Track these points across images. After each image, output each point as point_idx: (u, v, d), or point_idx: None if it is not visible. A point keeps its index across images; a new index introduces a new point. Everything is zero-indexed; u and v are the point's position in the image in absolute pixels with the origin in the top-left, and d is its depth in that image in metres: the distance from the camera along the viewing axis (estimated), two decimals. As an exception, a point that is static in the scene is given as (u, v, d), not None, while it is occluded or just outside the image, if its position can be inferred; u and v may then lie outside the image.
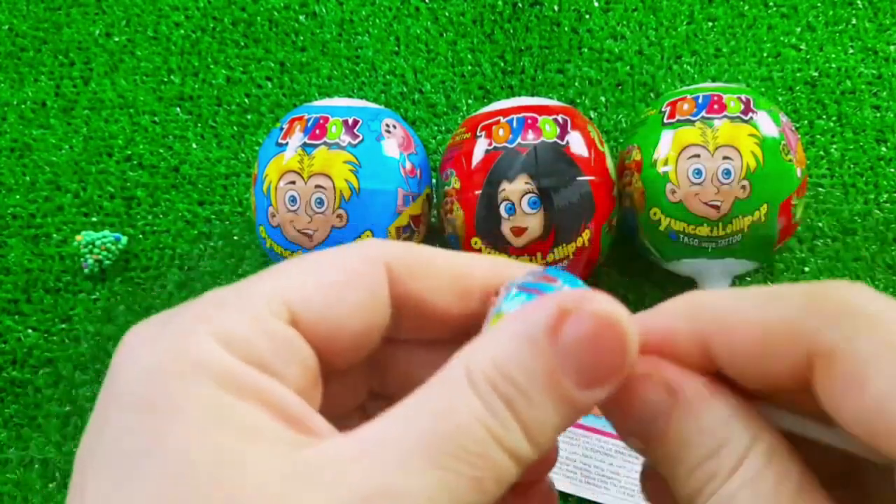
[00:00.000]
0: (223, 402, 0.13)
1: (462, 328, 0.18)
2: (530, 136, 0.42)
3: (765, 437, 0.15)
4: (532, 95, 0.54)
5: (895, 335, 0.13)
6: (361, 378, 0.20)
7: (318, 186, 0.41)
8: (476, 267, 0.18)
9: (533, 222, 0.41)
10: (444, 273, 0.17)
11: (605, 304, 0.15)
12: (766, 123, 0.41)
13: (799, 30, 0.54)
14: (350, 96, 0.54)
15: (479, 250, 0.43)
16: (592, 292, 0.15)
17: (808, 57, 0.54)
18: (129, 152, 0.54)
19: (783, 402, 0.16)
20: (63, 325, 0.50)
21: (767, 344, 0.15)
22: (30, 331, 0.50)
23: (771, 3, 0.55)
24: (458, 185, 0.43)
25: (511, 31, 0.55)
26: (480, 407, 0.14)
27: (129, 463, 0.13)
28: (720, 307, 0.16)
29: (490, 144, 0.42)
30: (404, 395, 0.15)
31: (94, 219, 0.52)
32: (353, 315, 0.16)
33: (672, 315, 0.16)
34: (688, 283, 0.46)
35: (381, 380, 0.20)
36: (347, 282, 0.16)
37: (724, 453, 0.15)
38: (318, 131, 0.42)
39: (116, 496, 0.13)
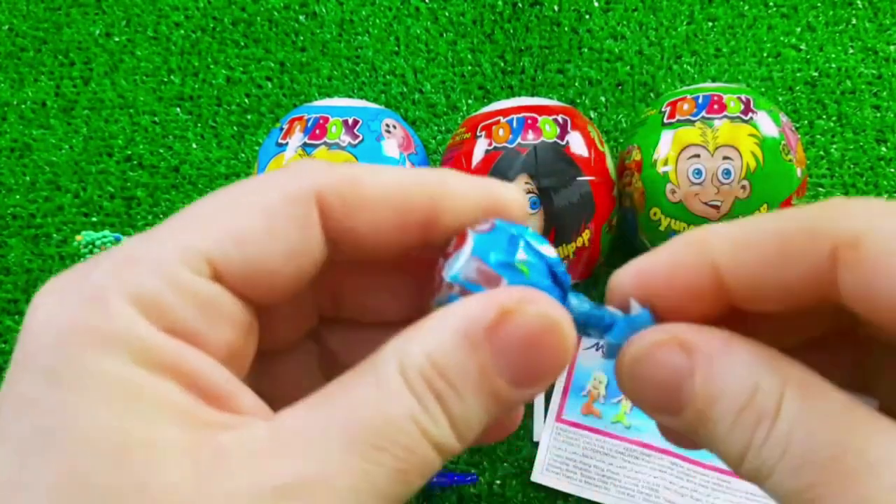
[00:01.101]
0: (135, 379, 0.13)
1: (406, 251, 0.17)
2: (530, 136, 0.42)
3: (793, 370, 0.14)
4: (532, 95, 0.54)
5: None
6: (306, 305, 0.18)
7: (318, 186, 0.41)
8: (416, 195, 0.16)
9: (533, 222, 0.41)
10: (381, 205, 0.16)
11: (546, 305, 0.14)
12: (766, 123, 0.41)
13: (799, 30, 0.54)
14: (350, 96, 0.54)
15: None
16: (534, 291, 0.15)
17: (808, 57, 0.54)
18: (129, 152, 0.54)
19: (796, 330, 0.15)
20: (63, 325, 0.50)
21: (786, 248, 0.14)
22: (30, 331, 0.50)
23: (771, 3, 0.55)
24: (458, 185, 0.43)
25: (511, 31, 0.55)
26: (413, 402, 0.13)
27: (33, 441, 0.12)
28: (728, 229, 0.15)
29: (490, 144, 0.42)
30: (361, 319, 0.15)
31: (94, 219, 0.52)
32: (281, 261, 0.15)
33: (675, 251, 0.16)
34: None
35: (334, 302, 0.19)
36: (272, 227, 0.14)
37: (759, 399, 0.14)
38: (318, 131, 0.42)
39: (17, 476, 0.12)
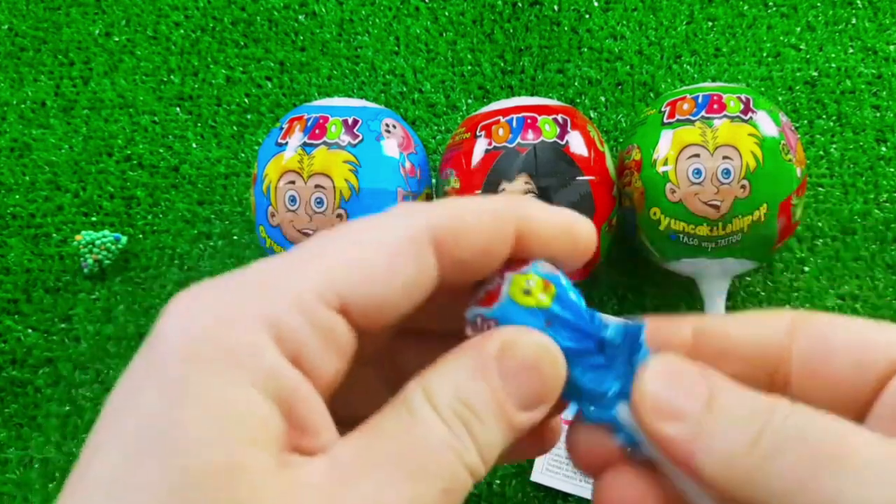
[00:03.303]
0: (248, 403, 0.14)
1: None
2: (530, 135, 0.42)
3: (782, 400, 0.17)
4: (532, 95, 0.54)
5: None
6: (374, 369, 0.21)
7: (317, 186, 0.41)
8: (507, 223, 0.18)
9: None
10: (482, 236, 0.17)
11: (538, 336, 0.17)
12: (765, 123, 0.41)
13: (799, 30, 0.54)
14: (350, 96, 0.54)
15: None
16: (526, 329, 0.17)
17: (808, 57, 0.54)
18: (129, 152, 0.54)
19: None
20: (63, 325, 0.50)
21: (756, 322, 0.18)
22: (30, 331, 0.50)
23: (771, 3, 0.55)
24: (458, 185, 0.43)
25: (511, 31, 0.55)
26: (446, 431, 0.15)
27: (146, 446, 0.13)
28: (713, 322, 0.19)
29: (490, 144, 0.42)
30: (426, 328, 0.18)
31: (94, 219, 0.52)
32: (401, 295, 0.16)
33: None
34: (687, 283, 0.46)
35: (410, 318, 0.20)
36: (395, 264, 0.16)
37: (773, 420, 0.16)
38: (317, 131, 0.42)
39: (122, 474, 0.13)
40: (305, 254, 0.16)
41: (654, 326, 0.19)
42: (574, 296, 0.18)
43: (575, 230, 0.19)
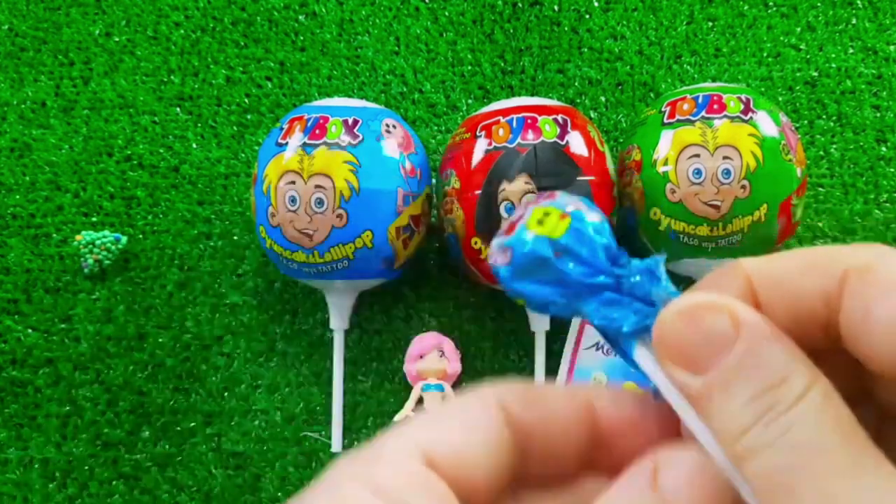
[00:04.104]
0: None
1: (582, 458, 0.19)
2: (530, 135, 0.42)
3: (822, 379, 0.15)
4: (532, 95, 0.54)
5: None
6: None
7: (318, 186, 0.41)
8: (575, 403, 0.18)
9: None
10: (555, 402, 0.18)
11: (690, 453, 0.16)
12: (766, 123, 0.41)
13: (799, 30, 0.54)
14: (350, 96, 0.54)
15: (479, 250, 0.43)
16: (678, 449, 0.16)
17: (808, 57, 0.54)
18: (129, 152, 0.54)
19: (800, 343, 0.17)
20: (63, 325, 0.50)
21: (807, 265, 0.16)
22: (30, 331, 0.50)
23: (771, 3, 0.55)
24: (458, 185, 0.43)
25: (511, 31, 0.55)
26: None
27: None
28: (764, 256, 0.17)
29: (490, 144, 0.42)
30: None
31: (94, 219, 0.52)
32: (480, 453, 0.17)
33: (717, 271, 0.18)
34: (688, 284, 0.46)
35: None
36: (470, 423, 0.17)
37: (784, 388, 0.15)
38: (318, 131, 0.42)
39: None
40: (397, 431, 0.17)
41: (714, 273, 0.18)
42: (593, 232, 0.17)
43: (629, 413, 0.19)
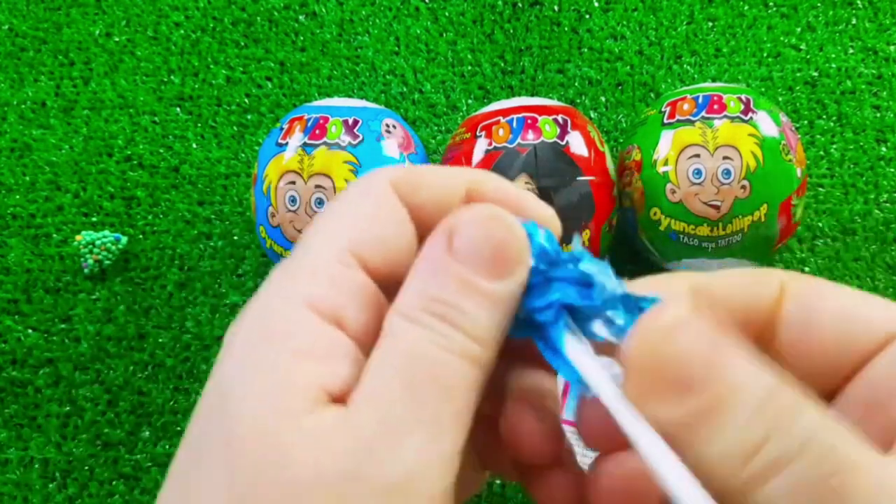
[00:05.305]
0: (289, 372, 0.15)
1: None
2: (530, 136, 0.42)
3: (808, 392, 0.14)
4: (532, 95, 0.54)
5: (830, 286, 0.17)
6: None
7: (318, 186, 0.41)
8: (460, 180, 0.19)
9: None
10: (435, 187, 0.19)
11: (481, 208, 0.17)
12: (766, 123, 0.41)
13: (799, 30, 0.54)
14: (350, 96, 0.54)
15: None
16: (466, 207, 0.17)
17: (808, 57, 0.54)
18: (129, 152, 0.54)
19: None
20: (63, 325, 0.50)
21: (747, 279, 0.17)
22: (30, 331, 0.50)
23: (771, 3, 0.55)
24: (458, 185, 0.43)
25: (511, 31, 0.55)
26: (424, 331, 0.16)
27: (202, 433, 0.16)
28: (700, 275, 0.18)
29: (490, 144, 0.42)
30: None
31: (94, 219, 0.52)
32: (402, 243, 0.18)
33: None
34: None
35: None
36: (383, 213, 0.18)
37: (782, 395, 0.14)
38: (318, 131, 0.42)
39: (194, 432, 0.16)
40: (308, 238, 0.18)
41: (647, 286, 0.18)
42: (543, 240, 0.18)
43: (525, 208, 0.19)
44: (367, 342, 0.17)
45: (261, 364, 0.15)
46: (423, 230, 0.18)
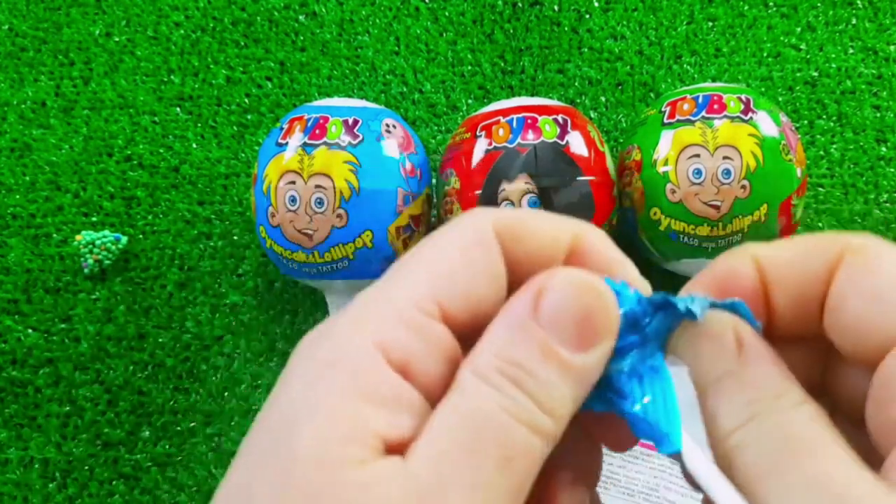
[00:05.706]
0: (347, 409, 0.15)
1: None
2: (530, 136, 0.42)
3: (813, 401, 0.16)
4: (532, 95, 0.54)
5: None
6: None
7: (318, 186, 0.41)
8: (563, 230, 0.19)
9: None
10: (540, 238, 0.18)
11: (573, 273, 0.16)
12: (766, 123, 0.41)
13: (799, 30, 0.54)
14: (350, 96, 0.54)
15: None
16: (559, 270, 0.17)
17: (808, 57, 0.54)
18: (129, 152, 0.54)
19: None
20: (63, 325, 0.50)
21: (812, 246, 0.17)
22: (30, 331, 0.50)
23: (771, 3, 0.55)
24: (458, 185, 0.43)
25: (511, 31, 0.55)
26: (494, 393, 0.15)
27: (260, 455, 0.16)
28: (769, 244, 0.18)
29: (490, 144, 0.42)
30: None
31: (94, 219, 0.52)
32: (482, 287, 0.17)
33: (727, 255, 0.19)
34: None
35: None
36: (470, 257, 0.17)
37: (780, 400, 0.16)
38: (318, 131, 0.42)
39: (246, 481, 0.15)
40: (394, 276, 0.17)
41: (713, 266, 0.19)
42: (633, 302, 0.17)
43: (624, 274, 0.19)
44: (436, 393, 0.16)
45: (327, 399, 0.15)
46: (516, 277, 0.18)
